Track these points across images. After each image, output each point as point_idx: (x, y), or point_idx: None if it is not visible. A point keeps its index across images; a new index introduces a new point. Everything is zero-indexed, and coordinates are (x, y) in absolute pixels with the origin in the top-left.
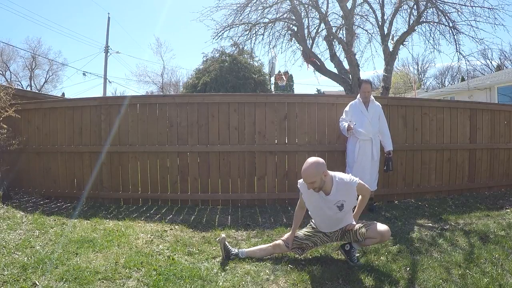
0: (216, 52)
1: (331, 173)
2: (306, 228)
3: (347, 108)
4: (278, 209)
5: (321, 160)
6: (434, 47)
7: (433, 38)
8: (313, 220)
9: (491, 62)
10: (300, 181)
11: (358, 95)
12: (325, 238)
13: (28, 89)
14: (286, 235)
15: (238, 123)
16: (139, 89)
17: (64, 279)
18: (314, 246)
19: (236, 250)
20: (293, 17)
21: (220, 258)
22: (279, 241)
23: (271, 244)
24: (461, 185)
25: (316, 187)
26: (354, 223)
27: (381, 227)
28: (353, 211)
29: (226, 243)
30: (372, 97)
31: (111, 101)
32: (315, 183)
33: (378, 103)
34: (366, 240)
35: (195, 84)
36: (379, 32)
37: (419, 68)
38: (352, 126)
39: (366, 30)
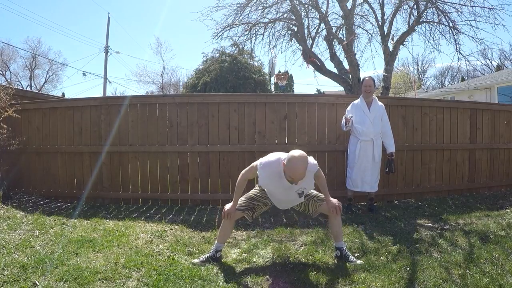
0: (216, 52)
1: None
2: (254, 190)
3: (349, 108)
4: (278, 209)
5: (303, 153)
6: (434, 47)
7: (433, 38)
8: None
9: (491, 62)
10: (263, 163)
11: (361, 95)
12: (267, 203)
13: (28, 89)
14: (228, 205)
15: (238, 123)
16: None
17: (64, 279)
18: (264, 208)
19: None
20: (293, 17)
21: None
22: (230, 207)
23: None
24: (461, 185)
25: (297, 181)
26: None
27: (333, 203)
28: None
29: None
30: (375, 97)
31: (111, 101)
32: (301, 180)
33: (381, 104)
34: (315, 213)
35: (195, 84)
36: (379, 32)
37: (419, 68)
38: (348, 118)
39: (366, 30)
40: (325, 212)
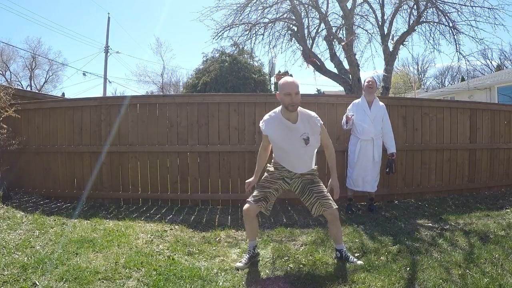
0: (216, 52)
1: None
2: (264, 177)
3: (349, 107)
4: (278, 209)
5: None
6: (434, 47)
7: (433, 38)
8: (271, 164)
9: (491, 62)
10: (265, 118)
11: (363, 94)
12: (285, 185)
13: (28, 89)
14: (248, 180)
15: (238, 123)
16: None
17: (64, 279)
18: (276, 194)
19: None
20: (293, 17)
21: (221, 258)
22: (246, 205)
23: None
24: (461, 185)
25: (296, 103)
26: (316, 173)
27: (334, 211)
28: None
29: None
30: (376, 97)
31: (111, 101)
32: (298, 94)
33: (382, 104)
34: (317, 214)
35: (195, 84)
36: (379, 32)
37: (419, 68)
38: (350, 117)
39: (366, 30)
40: (326, 216)
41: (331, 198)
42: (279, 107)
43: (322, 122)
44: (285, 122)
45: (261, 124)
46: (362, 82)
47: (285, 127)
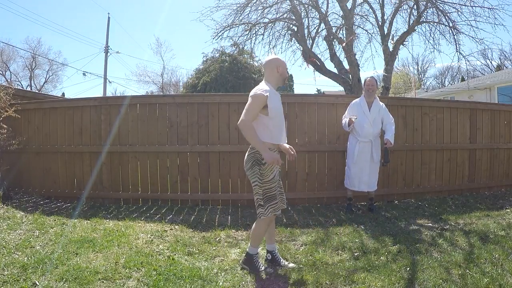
0: (216, 52)
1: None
2: (263, 176)
3: (349, 107)
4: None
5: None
6: (434, 47)
7: (433, 38)
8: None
9: (491, 62)
10: (267, 89)
11: (363, 94)
12: (278, 179)
13: (28, 89)
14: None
15: None
16: (139, 89)
17: (64, 279)
18: (280, 190)
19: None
20: (293, 17)
21: (221, 258)
22: (272, 216)
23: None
24: (461, 185)
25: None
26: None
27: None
28: None
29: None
30: (376, 97)
31: (111, 101)
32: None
33: (382, 104)
34: None
35: (195, 84)
36: (379, 32)
37: (419, 68)
38: (353, 120)
39: (366, 30)
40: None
41: None
42: (267, 83)
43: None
44: (278, 95)
45: (266, 94)
46: (362, 82)
47: (278, 99)
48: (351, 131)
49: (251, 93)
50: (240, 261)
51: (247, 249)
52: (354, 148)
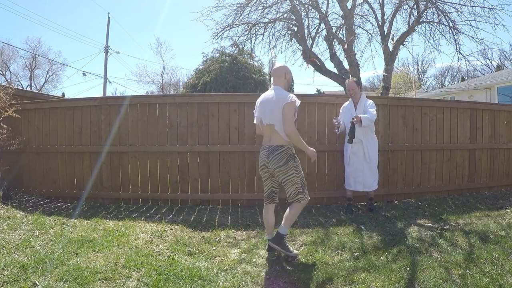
0: (216, 52)
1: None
2: (297, 167)
3: (341, 110)
4: (278, 209)
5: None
6: (434, 47)
7: (433, 38)
8: (291, 148)
9: (491, 62)
10: (293, 95)
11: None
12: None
13: (28, 89)
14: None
15: (238, 123)
16: (139, 89)
17: (64, 279)
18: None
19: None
20: (293, 17)
21: (221, 258)
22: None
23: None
24: (461, 185)
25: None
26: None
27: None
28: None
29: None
30: (363, 94)
31: (111, 101)
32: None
33: (369, 101)
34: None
35: (195, 84)
36: (379, 32)
37: (419, 68)
38: (336, 124)
39: (366, 30)
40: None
41: None
42: (281, 88)
43: (293, 101)
44: None
45: (295, 98)
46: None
47: None
48: (344, 133)
49: (282, 101)
50: (269, 241)
51: (278, 229)
52: (348, 148)
